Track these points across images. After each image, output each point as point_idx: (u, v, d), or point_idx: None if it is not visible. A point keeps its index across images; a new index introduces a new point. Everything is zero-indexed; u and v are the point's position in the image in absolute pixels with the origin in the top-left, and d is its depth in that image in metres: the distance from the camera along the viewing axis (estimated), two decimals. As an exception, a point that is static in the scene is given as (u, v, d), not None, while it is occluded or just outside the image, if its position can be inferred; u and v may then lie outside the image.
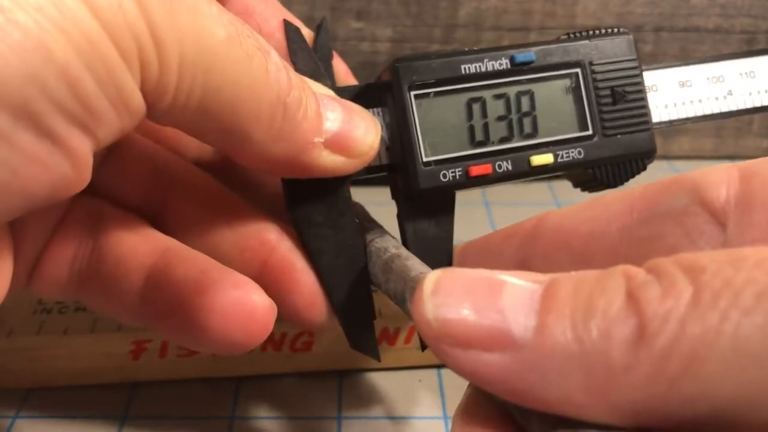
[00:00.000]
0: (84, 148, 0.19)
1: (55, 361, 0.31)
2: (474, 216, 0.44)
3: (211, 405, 0.31)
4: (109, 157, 0.27)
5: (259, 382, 0.32)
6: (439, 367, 0.33)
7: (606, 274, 0.16)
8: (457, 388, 0.20)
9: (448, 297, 0.17)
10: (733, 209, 0.21)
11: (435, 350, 0.17)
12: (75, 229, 0.26)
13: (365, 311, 0.27)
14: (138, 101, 0.20)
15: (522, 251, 0.25)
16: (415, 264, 0.24)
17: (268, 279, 0.25)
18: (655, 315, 0.15)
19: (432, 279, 0.17)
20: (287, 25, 0.27)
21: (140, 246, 0.25)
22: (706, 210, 0.21)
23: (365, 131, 0.25)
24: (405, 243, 0.27)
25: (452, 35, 0.48)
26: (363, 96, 0.26)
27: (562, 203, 0.45)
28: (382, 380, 0.32)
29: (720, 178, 0.21)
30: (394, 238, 0.27)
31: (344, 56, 0.48)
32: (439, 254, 0.27)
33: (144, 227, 0.26)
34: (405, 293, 0.23)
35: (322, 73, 0.26)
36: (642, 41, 0.49)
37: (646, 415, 0.15)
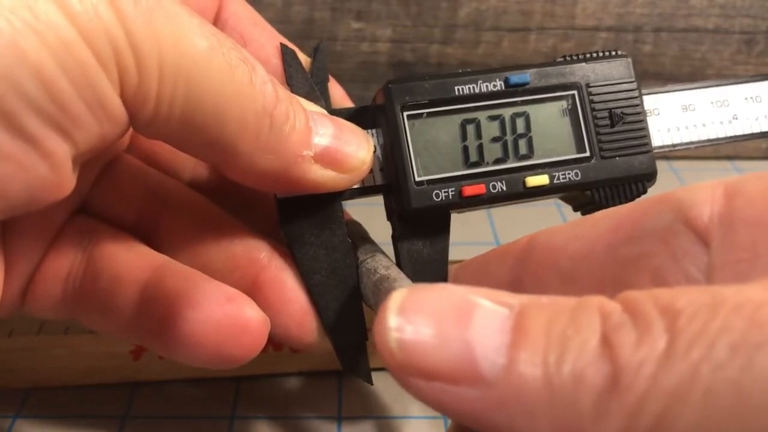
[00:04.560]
0: (62, 151, 0.19)
1: (55, 361, 0.31)
2: (474, 216, 0.44)
3: (211, 405, 0.31)
4: (102, 176, 0.27)
5: (259, 382, 0.32)
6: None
7: (581, 308, 0.16)
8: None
9: (413, 323, 0.16)
10: (716, 228, 0.20)
11: (397, 379, 0.16)
12: (68, 247, 0.26)
13: (357, 332, 0.27)
14: (118, 107, 0.20)
15: (514, 271, 0.25)
16: (403, 286, 0.24)
17: (258, 297, 0.25)
18: (629, 365, 0.14)
19: (397, 302, 0.16)
20: (283, 48, 0.27)
21: (134, 262, 0.25)
22: (690, 229, 0.21)
23: (357, 146, 0.25)
24: (399, 264, 0.27)
25: (452, 35, 0.48)
26: (357, 117, 0.26)
27: (561, 204, 0.45)
28: (382, 380, 0.32)
29: (705, 197, 0.21)
30: (386, 257, 0.27)
31: (344, 56, 0.49)
32: (434, 275, 0.27)
33: (137, 245, 0.26)
34: None
35: (318, 96, 0.27)
36: (641, 41, 0.49)
37: None
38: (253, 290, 0.26)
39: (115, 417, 0.30)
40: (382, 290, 0.25)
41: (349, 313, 0.27)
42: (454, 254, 0.27)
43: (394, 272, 0.25)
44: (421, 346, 0.16)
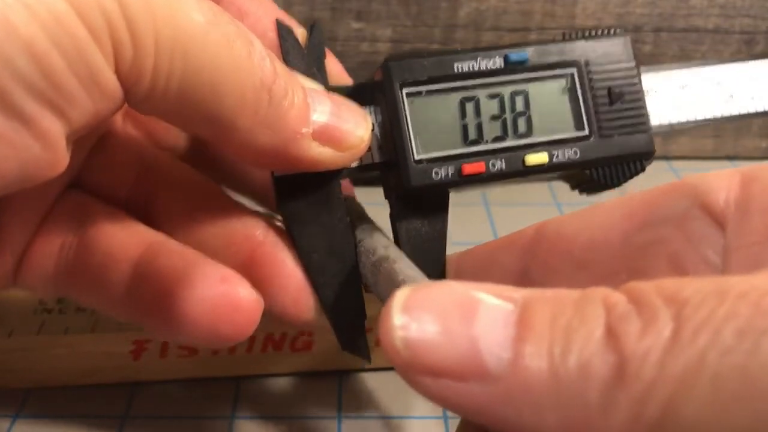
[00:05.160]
0: (55, 130, 0.19)
1: (55, 361, 0.31)
2: (474, 216, 0.44)
3: (211, 405, 0.31)
4: (96, 151, 0.27)
5: (259, 382, 0.32)
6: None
7: (585, 300, 0.16)
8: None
9: (418, 321, 0.16)
10: (732, 213, 0.21)
11: (404, 378, 0.16)
12: (61, 222, 0.26)
13: (356, 311, 0.27)
14: (112, 83, 0.20)
15: (523, 260, 0.25)
16: (402, 267, 0.24)
17: (254, 274, 0.25)
18: (635, 354, 0.14)
19: (401, 300, 0.16)
20: (279, 24, 0.27)
21: (128, 238, 0.25)
22: (707, 213, 0.21)
23: (355, 124, 0.25)
24: (398, 243, 0.27)
25: (452, 35, 0.48)
26: (356, 95, 0.26)
27: (561, 203, 0.45)
28: (381, 380, 0.32)
29: (721, 182, 0.21)
30: (385, 236, 0.27)
31: (344, 56, 0.49)
32: (432, 254, 0.27)
33: (131, 221, 0.26)
34: None
35: (314, 72, 0.26)
36: (641, 42, 0.49)
37: None
38: (249, 267, 0.25)
39: (115, 417, 0.30)
40: (382, 270, 0.24)
41: (347, 292, 0.26)
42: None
43: (393, 252, 0.25)
44: (427, 343, 0.16)
